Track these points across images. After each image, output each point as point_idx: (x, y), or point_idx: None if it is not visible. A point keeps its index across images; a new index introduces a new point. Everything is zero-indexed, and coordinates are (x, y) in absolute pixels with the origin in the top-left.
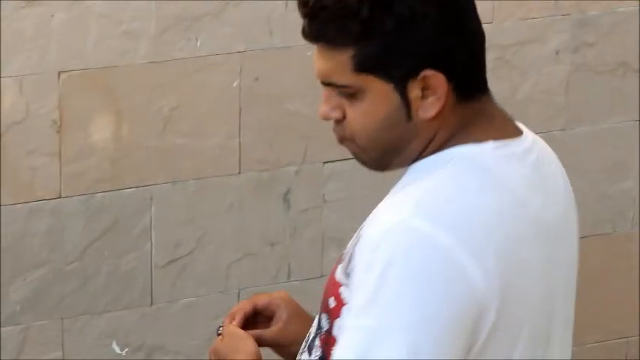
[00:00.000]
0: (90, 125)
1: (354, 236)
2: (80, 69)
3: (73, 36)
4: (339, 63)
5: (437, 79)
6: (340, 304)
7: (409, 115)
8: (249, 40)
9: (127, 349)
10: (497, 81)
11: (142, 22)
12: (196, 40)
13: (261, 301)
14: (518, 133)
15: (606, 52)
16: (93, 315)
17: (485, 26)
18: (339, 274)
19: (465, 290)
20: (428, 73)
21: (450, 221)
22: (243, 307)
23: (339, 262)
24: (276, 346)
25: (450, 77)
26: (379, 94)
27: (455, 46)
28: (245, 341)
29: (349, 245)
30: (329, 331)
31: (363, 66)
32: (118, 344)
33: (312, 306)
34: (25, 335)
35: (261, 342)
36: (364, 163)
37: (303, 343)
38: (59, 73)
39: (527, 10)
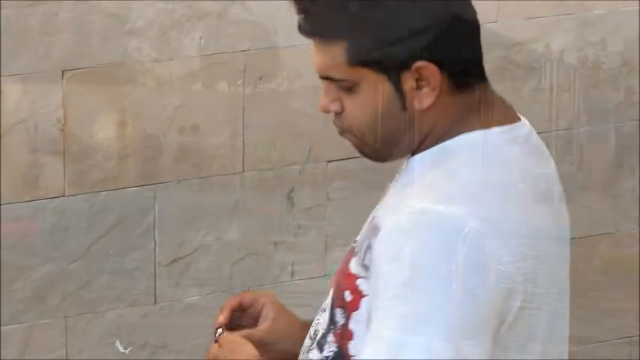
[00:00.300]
0: (94, 124)
1: (366, 228)
2: (84, 67)
3: (77, 34)
4: (334, 57)
5: (430, 70)
6: (359, 296)
7: (405, 106)
8: (253, 38)
9: (130, 348)
10: (502, 80)
11: (147, 20)
12: (200, 39)
13: (247, 298)
14: (518, 118)
15: (611, 52)
16: (96, 314)
17: (489, 25)
18: (354, 267)
19: (494, 269)
20: (420, 64)
21: (473, 205)
22: (229, 303)
23: (350, 255)
24: (263, 345)
25: (443, 67)
26: (374, 86)
27: (447, 37)
28: (244, 346)
29: (361, 238)
30: (345, 326)
31: (356, 59)
32: (121, 343)
33: (315, 305)
34: (29, 334)
35: (250, 341)
36: (365, 154)
37: (308, 341)
38: (63, 72)
39: (532, 10)
